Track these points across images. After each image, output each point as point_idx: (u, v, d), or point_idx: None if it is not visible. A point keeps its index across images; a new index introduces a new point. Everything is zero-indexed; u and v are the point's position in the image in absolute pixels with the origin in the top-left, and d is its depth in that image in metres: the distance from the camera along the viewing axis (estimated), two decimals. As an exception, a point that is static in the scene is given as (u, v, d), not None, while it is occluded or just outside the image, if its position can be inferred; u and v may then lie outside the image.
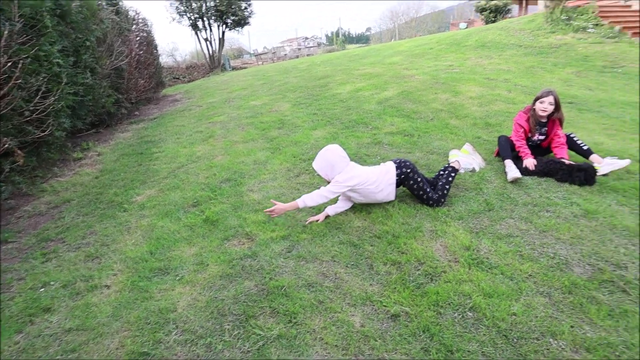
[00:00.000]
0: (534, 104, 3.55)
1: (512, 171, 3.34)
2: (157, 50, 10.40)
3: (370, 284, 2.22)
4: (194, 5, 19.11)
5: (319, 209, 3.02)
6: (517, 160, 3.56)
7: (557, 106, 3.48)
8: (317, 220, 2.90)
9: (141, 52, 8.11)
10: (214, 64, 20.45)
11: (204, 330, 1.99)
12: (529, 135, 3.62)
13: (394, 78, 7.09)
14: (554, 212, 2.85)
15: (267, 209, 2.72)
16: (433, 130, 4.62)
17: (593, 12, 10.75)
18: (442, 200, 3.00)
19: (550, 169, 3.41)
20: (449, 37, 11.80)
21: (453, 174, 3.15)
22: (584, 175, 3.27)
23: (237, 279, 2.35)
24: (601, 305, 1.95)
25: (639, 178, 3.29)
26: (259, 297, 2.18)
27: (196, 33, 19.98)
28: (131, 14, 8.74)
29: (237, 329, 1.98)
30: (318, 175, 3.00)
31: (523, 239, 2.54)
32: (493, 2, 20.01)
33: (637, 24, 10.64)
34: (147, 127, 6.78)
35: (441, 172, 3.25)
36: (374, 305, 2.06)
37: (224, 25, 20.23)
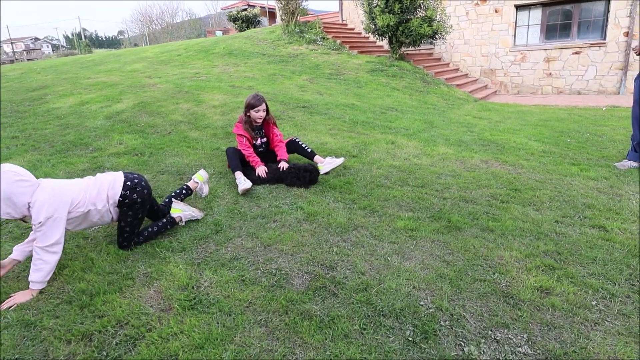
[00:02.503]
0: (247, 112, 3.54)
1: (242, 183, 3.22)
2: None
3: (42, 382, 1.59)
4: None
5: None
6: (252, 170, 3.49)
7: (268, 110, 3.61)
8: None
9: None
10: None
11: None
12: (254, 142, 3.62)
13: (132, 87, 6.27)
14: (280, 221, 2.83)
15: None
16: (169, 145, 4.16)
17: (319, 27, 12.47)
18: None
19: (280, 175, 3.47)
20: (198, 44, 11.57)
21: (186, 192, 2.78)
22: (309, 176, 3.45)
23: None
24: (312, 319, 1.90)
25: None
26: None
27: None
28: None
29: None
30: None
31: (248, 259, 2.38)
32: (244, 13, 21.02)
33: (352, 39, 12.95)
34: None
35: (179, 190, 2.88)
36: (38, 417, 1.45)
37: None
